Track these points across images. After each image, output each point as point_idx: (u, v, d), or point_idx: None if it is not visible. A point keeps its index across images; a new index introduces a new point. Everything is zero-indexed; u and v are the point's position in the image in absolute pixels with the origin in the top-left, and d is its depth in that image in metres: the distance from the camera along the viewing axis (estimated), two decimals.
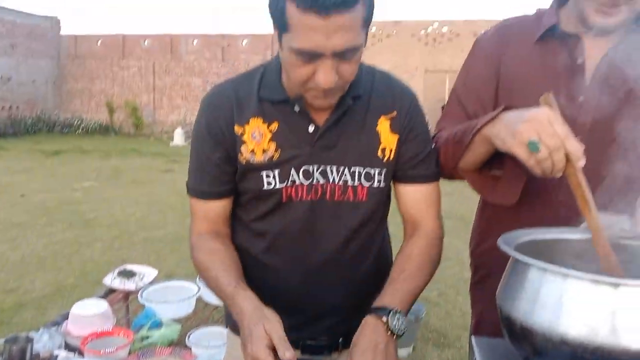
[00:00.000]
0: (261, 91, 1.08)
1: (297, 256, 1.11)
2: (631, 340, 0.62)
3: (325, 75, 0.93)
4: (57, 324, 2.23)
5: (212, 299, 2.46)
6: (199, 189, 1.13)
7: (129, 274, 2.78)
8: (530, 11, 1.26)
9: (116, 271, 2.82)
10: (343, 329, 1.12)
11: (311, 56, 0.91)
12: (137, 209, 6.79)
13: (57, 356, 1.97)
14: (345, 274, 1.12)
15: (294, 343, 0.94)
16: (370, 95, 1.10)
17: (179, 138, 15.08)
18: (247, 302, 0.95)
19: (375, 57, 10.55)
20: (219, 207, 1.13)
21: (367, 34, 0.97)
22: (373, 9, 0.94)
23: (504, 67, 1.20)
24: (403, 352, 3.07)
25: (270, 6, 0.93)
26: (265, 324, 0.89)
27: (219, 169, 1.10)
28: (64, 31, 18.81)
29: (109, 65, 18.28)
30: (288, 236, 1.11)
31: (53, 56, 18.39)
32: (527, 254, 0.74)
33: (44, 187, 8.14)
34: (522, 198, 1.08)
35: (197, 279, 2.59)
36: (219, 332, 2.15)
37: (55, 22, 18.63)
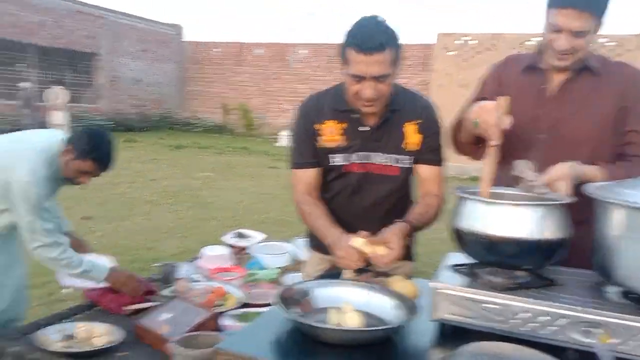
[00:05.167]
0: (335, 104, 1.80)
1: (350, 204, 1.80)
2: (498, 230, 1.25)
3: (368, 90, 1.62)
4: (192, 259, 3.10)
5: (302, 255, 3.20)
6: (299, 162, 1.86)
7: (242, 235, 3.62)
8: None
9: (232, 233, 3.67)
10: None
11: (359, 78, 1.60)
12: (246, 197, 7.81)
13: (193, 278, 2.81)
14: (381, 217, 1.79)
15: None
16: (402, 108, 1.78)
17: (284, 139, 16.25)
18: (336, 231, 1.68)
19: (475, 68, 10.84)
20: (312, 173, 1.84)
21: (396, 68, 1.64)
22: (399, 54, 1.62)
23: (503, 84, 1.82)
24: None
25: (340, 52, 1.64)
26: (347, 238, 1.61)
27: (309, 148, 1.82)
28: (187, 37, 20.86)
29: (225, 70, 20.04)
30: (345, 192, 1.82)
31: (177, 61, 20.51)
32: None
33: (169, 174, 9.50)
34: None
35: (293, 241, 3.36)
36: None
37: (178, 29, 20.75)
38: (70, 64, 16.96)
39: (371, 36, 1.56)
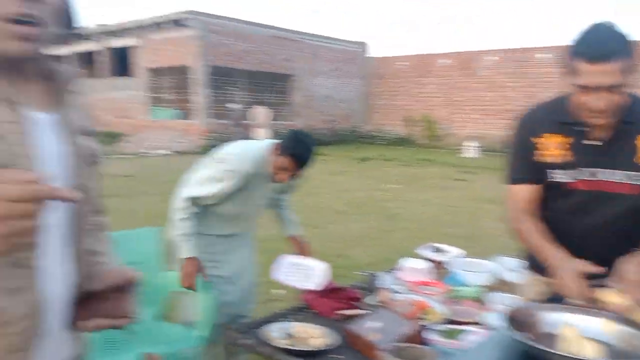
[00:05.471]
0: (557, 116, 1.68)
1: (574, 225, 1.68)
2: None
3: (597, 101, 1.50)
4: (390, 270, 3.18)
5: (505, 274, 3.07)
6: (516, 177, 1.78)
7: (438, 249, 3.61)
8: None
9: (428, 246, 3.67)
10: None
11: (587, 89, 1.49)
12: (430, 209, 7.76)
13: (394, 289, 2.88)
14: (609, 240, 1.63)
15: None
16: (638, 120, 1.60)
17: (471, 151, 15.76)
18: (558, 254, 1.58)
19: None
20: (530, 189, 1.75)
21: (628, 77, 1.48)
22: (633, 61, 1.47)
23: None
24: None
25: (566, 60, 1.54)
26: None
27: (527, 163, 1.73)
28: (371, 53, 21.61)
29: (408, 82, 20.21)
30: (568, 212, 1.69)
31: (362, 76, 21.31)
32: None
33: (356, 186, 9.88)
34: None
35: (495, 259, 3.24)
36: (511, 298, 2.75)
37: (363, 46, 21.61)
38: (270, 86, 18.78)
39: (600, 44, 1.46)
